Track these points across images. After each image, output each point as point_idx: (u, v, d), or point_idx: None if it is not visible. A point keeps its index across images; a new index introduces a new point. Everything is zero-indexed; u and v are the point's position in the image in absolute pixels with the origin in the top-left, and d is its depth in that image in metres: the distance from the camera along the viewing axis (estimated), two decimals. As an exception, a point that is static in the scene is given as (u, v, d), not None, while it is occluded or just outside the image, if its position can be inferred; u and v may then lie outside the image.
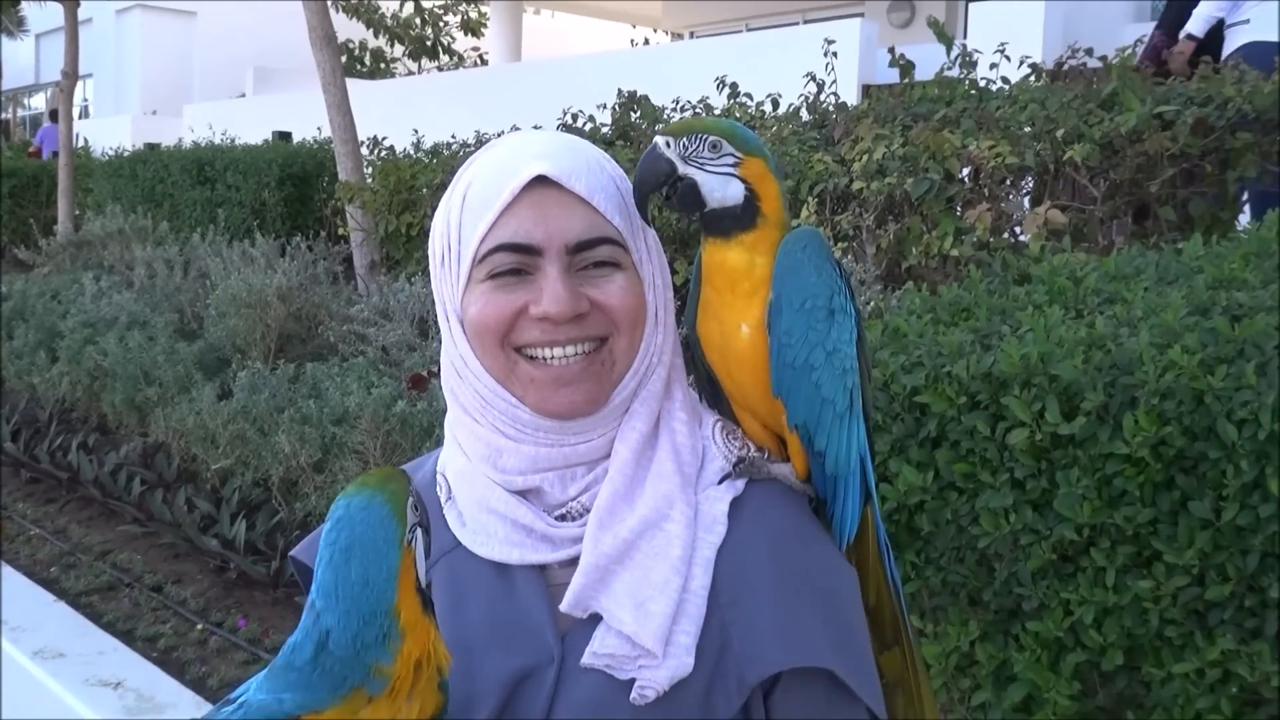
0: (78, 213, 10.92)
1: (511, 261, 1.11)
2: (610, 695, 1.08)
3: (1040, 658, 2.26)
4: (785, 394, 1.16)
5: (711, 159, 1.14)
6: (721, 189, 1.15)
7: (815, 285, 1.15)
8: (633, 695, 1.06)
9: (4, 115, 26.28)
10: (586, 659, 1.08)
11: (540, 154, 1.12)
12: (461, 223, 1.13)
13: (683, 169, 1.14)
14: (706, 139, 1.14)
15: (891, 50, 5.41)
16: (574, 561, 1.11)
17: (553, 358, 1.12)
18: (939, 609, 2.45)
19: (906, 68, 5.26)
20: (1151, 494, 2.08)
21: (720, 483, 1.16)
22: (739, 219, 1.16)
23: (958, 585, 2.42)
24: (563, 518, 1.14)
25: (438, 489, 1.22)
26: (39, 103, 28.69)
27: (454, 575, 1.17)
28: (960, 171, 4.30)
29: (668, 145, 1.14)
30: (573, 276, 1.11)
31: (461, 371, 1.17)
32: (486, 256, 1.11)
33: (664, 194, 1.16)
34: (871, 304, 3.65)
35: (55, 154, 12.51)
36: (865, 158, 4.44)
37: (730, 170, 1.15)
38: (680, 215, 1.24)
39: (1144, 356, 2.09)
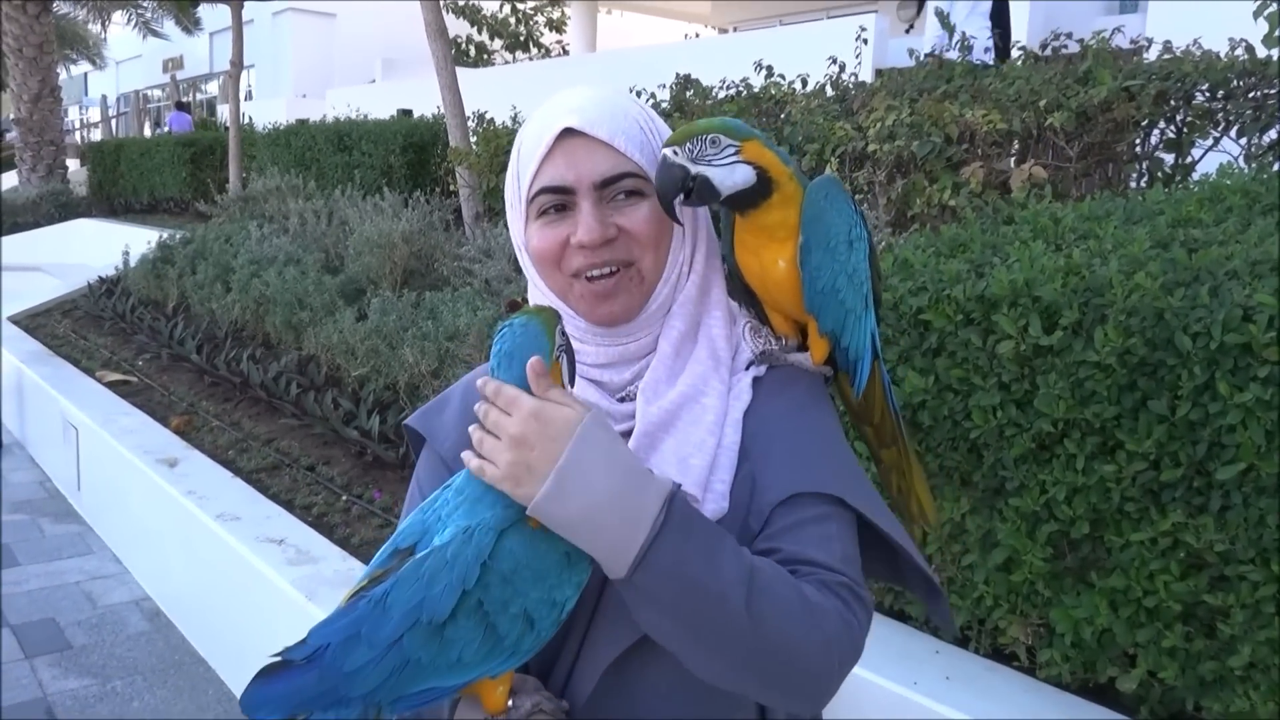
0: (244, 174, 10.97)
1: (553, 200, 1.11)
2: None
3: (1019, 527, 2.21)
4: (816, 311, 1.15)
5: (715, 153, 1.10)
6: (731, 176, 1.11)
7: (835, 225, 1.13)
8: None
9: (184, 99, 26.39)
10: None
11: (571, 108, 1.10)
12: (519, 172, 1.14)
13: (694, 170, 1.10)
14: (706, 138, 1.10)
15: (911, 51, 5.30)
16: (629, 434, 1.10)
17: (593, 277, 1.11)
18: (935, 488, 2.41)
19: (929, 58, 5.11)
20: (1117, 394, 2.01)
21: (748, 368, 1.16)
22: (758, 192, 1.12)
23: (951, 469, 2.37)
24: (622, 400, 1.14)
25: None
26: (213, 88, 28.81)
27: None
28: (957, 136, 4.17)
29: (675, 153, 1.09)
30: (605, 207, 1.10)
31: (535, 290, 1.17)
32: (535, 197, 1.12)
33: (685, 195, 1.11)
34: (883, 243, 3.56)
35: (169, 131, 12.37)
36: (878, 125, 4.31)
37: (734, 158, 1.11)
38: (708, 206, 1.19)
39: (1113, 281, 2.02)
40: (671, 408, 1.09)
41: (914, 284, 2.36)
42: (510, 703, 1.01)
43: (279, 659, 0.93)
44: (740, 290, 1.23)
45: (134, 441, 4.93)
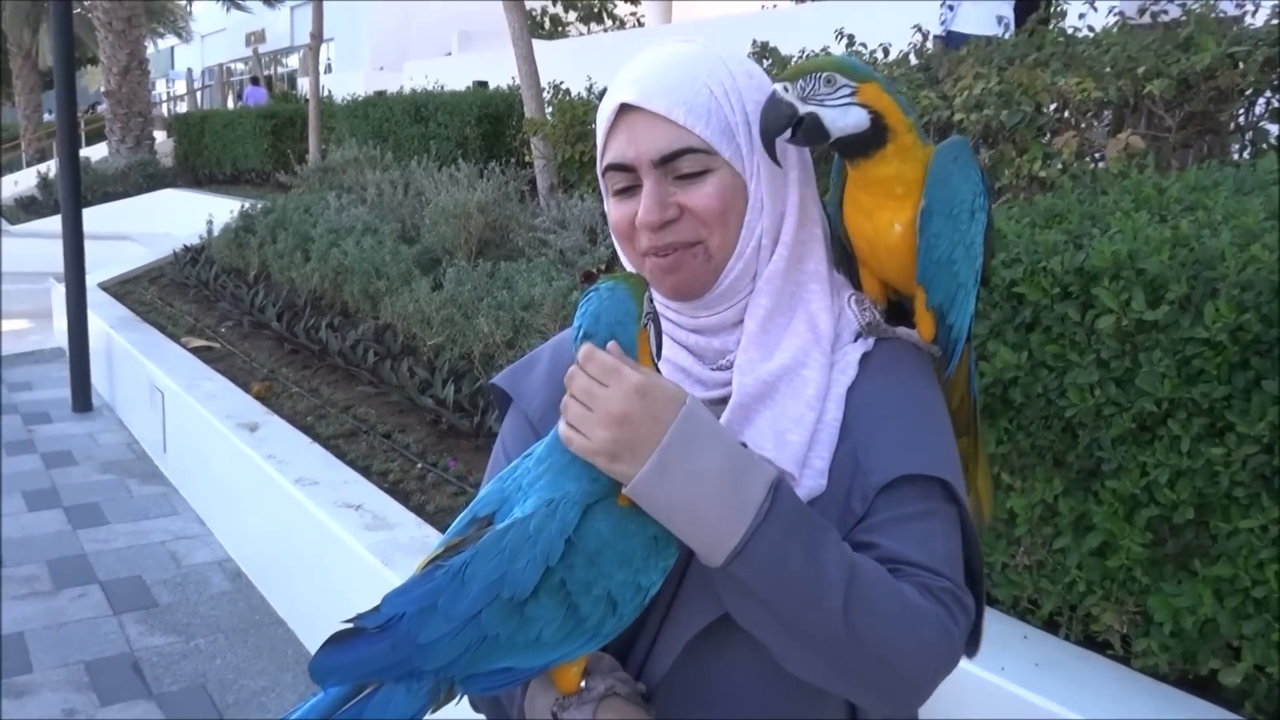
0: (324, 145, 11.09)
1: (621, 179, 1.06)
2: None
3: (1117, 511, 2.11)
4: (928, 282, 1.07)
5: (829, 93, 1.02)
6: (843, 118, 1.03)
7: (961, 192, 1.05)
8: None
9: (266, 72, 26.84)
10: None
11: (634, 78, 1.04)
12: (595, 146, 1.10)
13: (803, 108, 1.02)
14: (820, 76, 1.02)
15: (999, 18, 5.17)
16: (722, 401, 1.04)
17: (659, 255, 1.06)
18: (1026, 468, 2.32)
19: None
20: (1228, 373, 1.90)
21: (854, 340, 1.08)
22: (871, 139, 1.04)
23: (1044, 448, 2.27)
24: (717, 369, 1.08)
25: None
26: (293, 61, 29.23)
27: None
28: (1048, 105, 4.01)
29: (785, 90, 1.02)
30: (670, 184, 1.04)
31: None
32: (606, 174, 1.07)
33: (791, 134, 1.03)
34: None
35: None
36: (965, 94, 4.17)
37: (848, 99, 1.03)
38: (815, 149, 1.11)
39: (1226, 253, 1.90)
40: (770, 379, 1.03)
41: (1008, 255, 2.26)
42: (584, 683, 0.97)
43: (351, 626, 0.90)
44: (841, 255, 1.15)
45: (217, 406, 5.02)
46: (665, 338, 1.08)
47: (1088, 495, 2.21)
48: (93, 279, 8.54)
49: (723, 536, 0.88)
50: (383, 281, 5.61)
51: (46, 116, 23.95)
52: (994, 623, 2.37)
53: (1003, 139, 4.07)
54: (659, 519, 0.90)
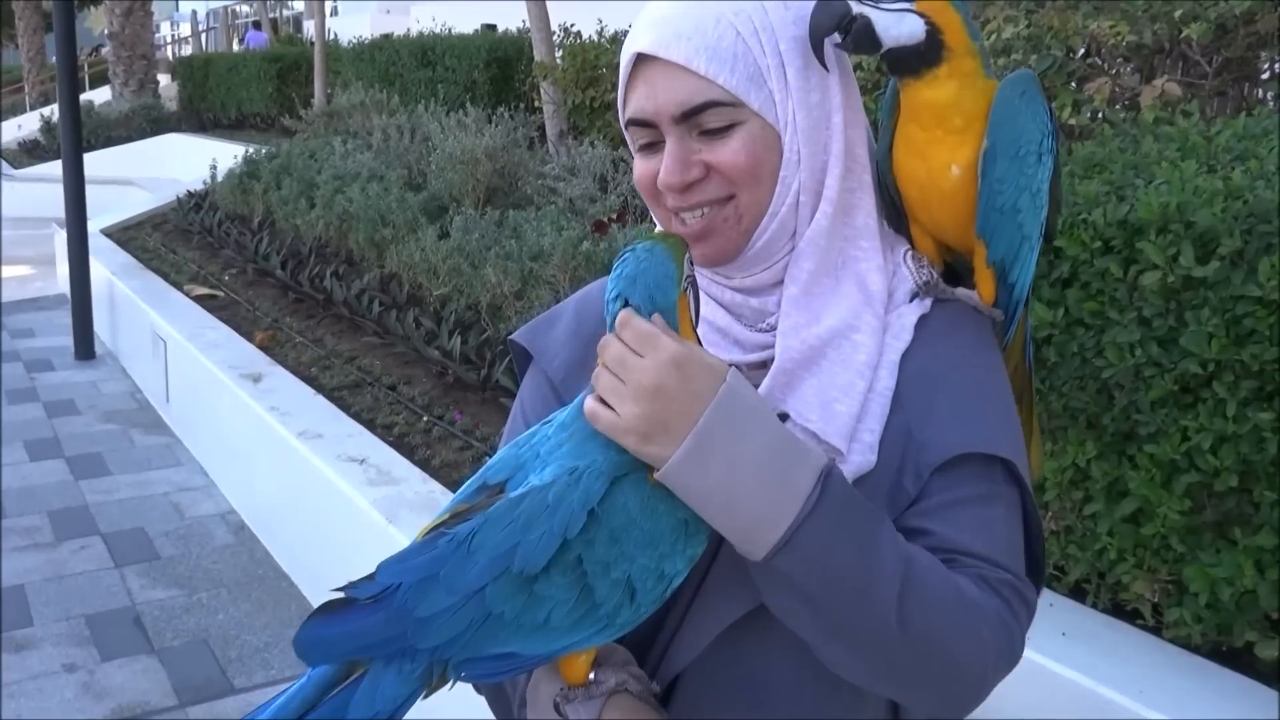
0: (329, 90, 10.91)
1: (643, 134, 0.95)
2: None
3: (1154, 477, 2.01)
4: (989, 235, 0.95)
5: None
6: (897, 26, 0.91)
7: (1030, 131, 0.94)
8: None
9: (271, 14, 26.44)
10: None
11: (651, 22, 0.92)
12: (614, 93, 0.98)
13: (856, 8, 0.90)
14: None
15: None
16: (763, 365, 0.94)
17: (686, 219, 0.95)
18: (1058, 429, 2.22)
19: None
20: (1280, 334, 1.79)
21: (910, 301, 0.97)
22: (924, 56, 0.92)
23: (1078, 410, 2.17)
24: (760, 330, 0.97)
25: None
26: (299, 4, 28.79)
27: None
28: (1079, 50, 3.86)
29: None
30: (694, 141, 0.92)
31: None
32: (628, 128, 0.96)
33: (840, 38, 0.92)
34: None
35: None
36: (993, 37, 4.01)
37: (906, 6, 0.91)
38: (863, 58, 0.96)
39: (1283, 206, 1.78)
40: (817, 344, 0.92)
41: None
42: (593, 675, 0.87)
43: (341, 595, 0.81)
44: (888, 205, 1.02)
45: (220, 356, 4.93)
46: (701, 294, 0.98)
47: (1122, 459, 2.11)
48: (95, 225, 8.43)
49: (765, 529, 0.78)
50: (388, 229, 5.49)
51: (50, 59, 23.67)
52: (1020, 590, 2.28)
53: (1030, 85, 3.92)
54: (693, 506, 0.80)
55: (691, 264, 0.87)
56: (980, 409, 0.93)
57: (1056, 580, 2.31)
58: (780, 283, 0.96)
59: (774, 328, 0.95)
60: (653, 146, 0.95)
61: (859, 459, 0.90)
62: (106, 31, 16.76)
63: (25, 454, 5.11)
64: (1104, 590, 2.24)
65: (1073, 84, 3.84)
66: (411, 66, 9.66)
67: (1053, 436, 2.22)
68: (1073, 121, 3.60)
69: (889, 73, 0.97)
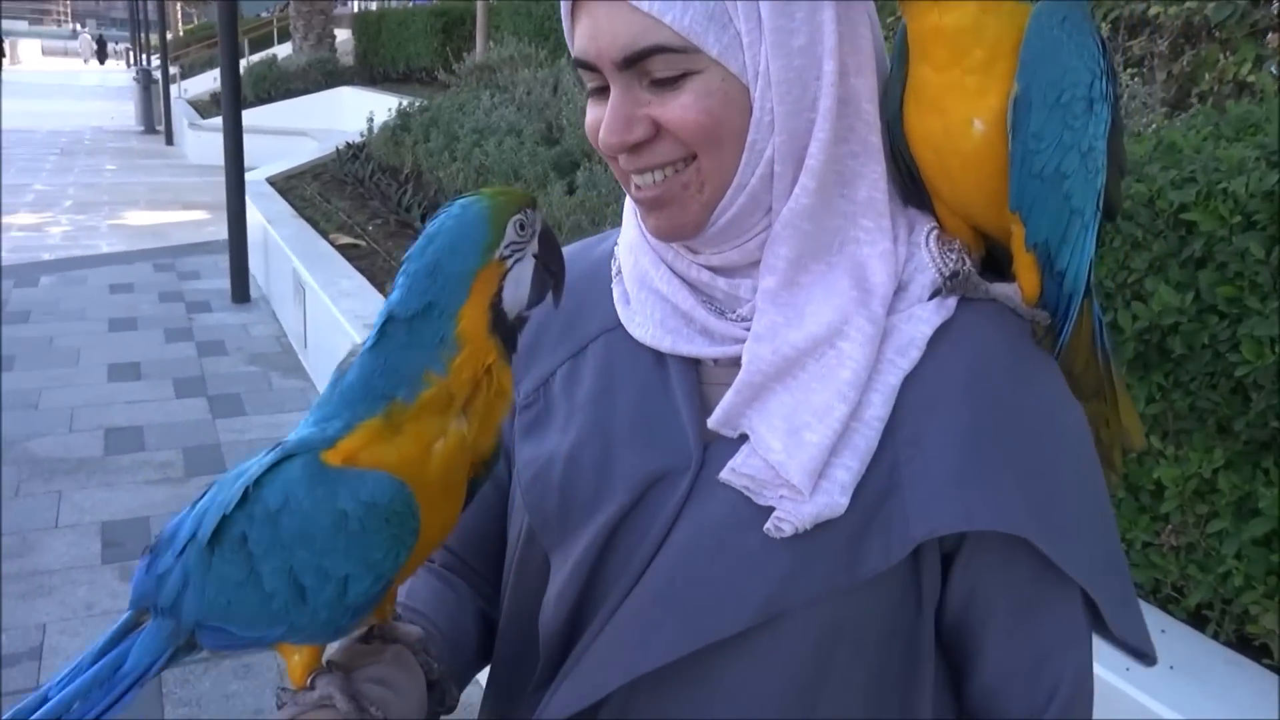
0: (491, 44, 11.00)
1: (591, 78, 0.77)
2: (746, 517, 0.73)
3: (1291, 495, 1.72)
4: (1027, 209, 0.73)
5: None
6: None
7: (1076, 71, 0.71)
8: (767, 526, 0.72)
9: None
10: (725, 474, 0.74)
11: None
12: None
13: None
14: None
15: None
16: (735, 362, 0.76)
17: (639, 184, 0.77)
18: (1182, 433, 1.93)
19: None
20: None
21: (929, 299, 0.76)
22: None
23: (1206, 412, 1.87)
24: (733, 319, 0.79)
25: (611, 263, 0.89)
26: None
27: (610, 357, 0.84)
28: (1269, -3, 3.39)
29: None
30: (642, 91, 0.74)
31: None
32: (578, 69, 0.78)
33: None
34: (1153, 127, 2.94)
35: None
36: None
37: None
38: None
39: None
40: (792, 353, 0.74)
41: (1179, 174, 1.84)
42: (311, 681, 0.76)
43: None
44: (903, 175, 0.80)
45: (348, 305, 5.02)
46: (663, 270, 0.81)
47: (1256, 472, 1.81)
48: (262, 173, 8.81)
49: None
50: (520, 184, 5.46)
51: (244, 15, 24.88)
52: (1126, 611, 2.01)
53: (1206, 38, 3.47)
54: None
55: (523, 231, 0.72)
56: (995, 459, 0.72)
57: (1173, 603, 2.03)
58: (756, 264, 0.78)
59: (747, 319, 0.78)
60: (602, 91, 0.77)
61: (825, 500, 0.71)
62: (291, -13, 17.47)
63: (173, 391, 5.37)
64: (1228, 620, 1.94)
65: (1258, 37, 3.39)
66: (566, 19, 9.62)
67: (1176, 441, 1.94)
68: (1251, 78, 3.17)
69: None
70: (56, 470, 4.32)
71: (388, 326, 0.70)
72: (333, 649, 0.78)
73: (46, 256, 8.40)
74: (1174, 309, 1.83)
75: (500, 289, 0.71)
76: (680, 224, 0.77)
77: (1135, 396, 1.89)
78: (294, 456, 0.70)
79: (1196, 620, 2.00)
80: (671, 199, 0.76)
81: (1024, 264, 0.77)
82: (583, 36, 0.75)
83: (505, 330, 0.72)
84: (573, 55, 0.78)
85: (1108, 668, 1.83)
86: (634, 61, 0.73)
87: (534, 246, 0.73)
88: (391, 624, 0.80)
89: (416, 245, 0.70)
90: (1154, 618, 2.02)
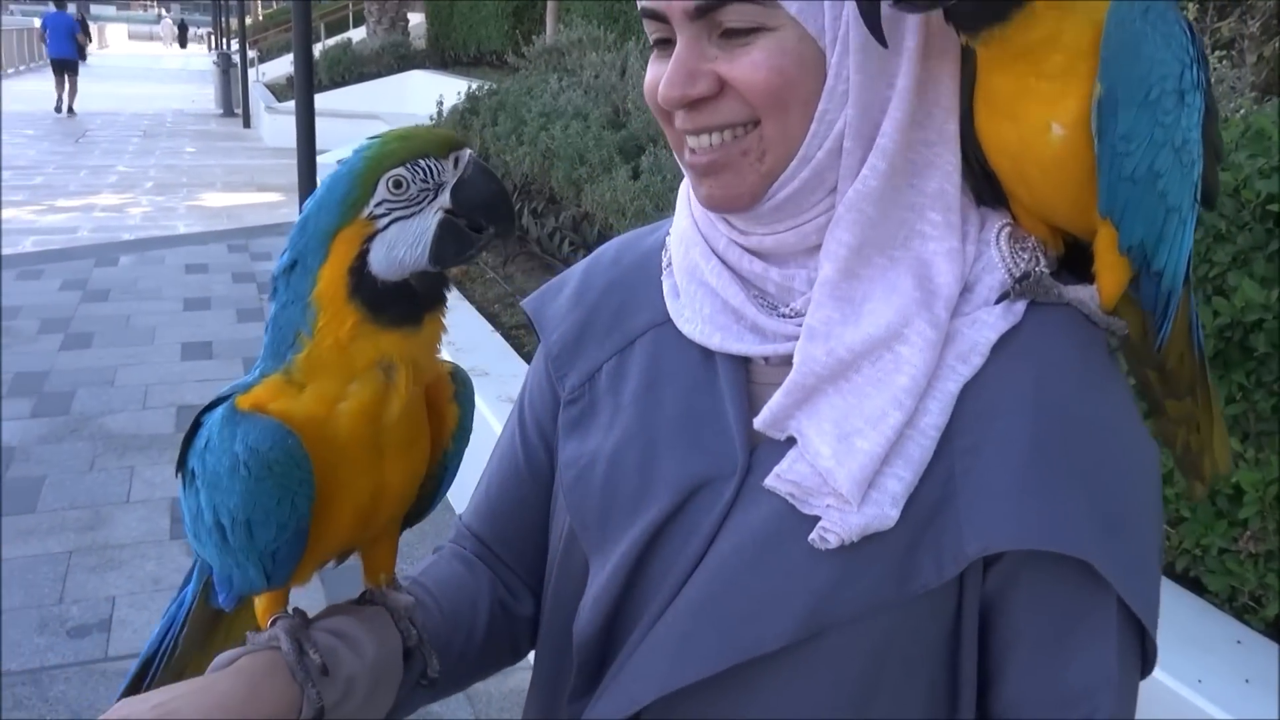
0: (561, 26, 11.00)
1: (656, 29, 0.73)
2: (790, 526, 0.70)
3: (1381, 505, 1.62)
4: (1119, 213, 0.68)
5: None
6: None
7: (1164, 64, 0.66)
8: (811, 536, 0.68)
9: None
10: (770, 480, 0.71)
11: None
12: None
13: None
14: None
15: None
16: (786, 361, 0.72)
17: (694, 147, 0.73)
18: (1264, 434, 1.84)
19: None
20: None
21: (997, 303, 0.71)
22: None
23: (1291, 413, 1.79)
24: (783, 315, 0.75)
25: (662, 254, 0.85)
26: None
27: (657, 352, 0.81)
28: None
29: None
30: (710, 45, 0.70)
31: None
32: (644, 20, 0.74)
33: None
34: (1241, 112, 2.80)
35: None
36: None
37: None
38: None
39: None
40: (847, 355, 0.70)
41: (1267, 162, 1.74)
42: (269, 623, 0.76)
43: None
44: (977, 176, 0.75)
45: (413, 288, 5.07)
46: (714, 263, 0.77)
47: (1344, 479, 1.72)
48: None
49: None
50: (585, 168, 5.44)
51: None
52: (1199, 619, 1.94)
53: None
54: None
55: (400, 189, 0.68)
56: (1058, 475, 0.67)
57: (1250, 613, 1.94)
58: (815, 248, 0.73)
59: (800, 314, 0.73)
60: (666, 45, 0.73)
61: (875, 511, 0.68)
62: (365, -30, 17.67)
63: (243, 371, 5.44)
64: (1309, 632, 1.86)
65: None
66: (634, 3, 9.57)
67: (1257, 442, 1.84)
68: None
69: (961, 29, 0.68)
70: (129, 446, 4.43)
71: (275, 280, 0.69)
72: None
73: (126, 236, 8.63)
74: (1258, 305, 1.74)
75: (365, 250, 0.68)
76: (736, 194, 0.73)
77: (1216, 394, 1.81)
78: (225, 399, 0.72)
79: (1276, 631, 1.91)
80: (728, 164, 0.72)
81: (1110, 265, 0.71)
82: None
83: (376, 295, 0.69)
84: (640, 3, 0.74)
85: (1181, 680, 1.76)
86: (707, 10, 0.69)
87: (442, 201, 0.70)
88: (384, 590, 0.81)
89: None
90: (1228, 626, 1.93)
